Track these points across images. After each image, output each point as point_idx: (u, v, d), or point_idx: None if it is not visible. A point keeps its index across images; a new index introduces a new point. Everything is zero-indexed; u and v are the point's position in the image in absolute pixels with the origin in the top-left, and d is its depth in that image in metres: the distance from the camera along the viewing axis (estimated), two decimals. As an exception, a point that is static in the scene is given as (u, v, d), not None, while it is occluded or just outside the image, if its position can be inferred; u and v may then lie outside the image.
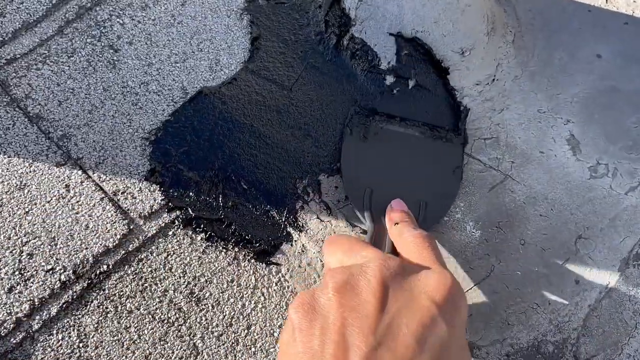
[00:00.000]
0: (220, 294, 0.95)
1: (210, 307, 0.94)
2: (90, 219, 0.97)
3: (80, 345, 0.89)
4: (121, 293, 0.93)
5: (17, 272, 0.92)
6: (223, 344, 0.92)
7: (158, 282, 0.95)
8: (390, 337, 0.44)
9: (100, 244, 0.95)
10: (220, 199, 1.01)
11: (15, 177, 0.98)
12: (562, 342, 0.95)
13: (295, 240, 1.00)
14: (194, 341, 0.92)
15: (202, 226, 0.99)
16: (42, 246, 0.94)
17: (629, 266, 1.01)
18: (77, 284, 0.92)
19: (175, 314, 0.93)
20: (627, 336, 0.97)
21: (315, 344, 0.46)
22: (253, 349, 0.92)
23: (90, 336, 0.90)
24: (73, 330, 0.90)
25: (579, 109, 1.13)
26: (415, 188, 0.96)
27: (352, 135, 1.04)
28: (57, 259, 0.93)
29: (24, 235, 0.94)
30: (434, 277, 0.51)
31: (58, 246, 0.94)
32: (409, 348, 0.43)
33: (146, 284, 0.94)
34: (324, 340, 0.45)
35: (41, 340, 0.89)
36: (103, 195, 0.99)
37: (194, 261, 0.97)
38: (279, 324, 0.94)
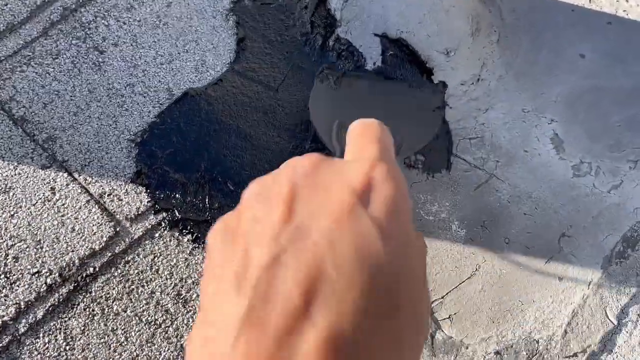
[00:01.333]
0: (207, 295, 0.95)
1: (197, 309, 0.94)
2: (76, 221, 0.97)
3: (67, 348, 0.89)
4: (108, 295, 0.93)
5: (2, 276, 0.91)
6: (210, 345, 0.92)
7: (145, 284, 0.95)
8: (298, 242, 0.37)
9: (87, 247, 0.95)
10: (206, 201, 1.01)
11: (0, 181, 0.98)
12: (547, 338, 0.96)
13: (282, 241, 1.00)
14: (182, 343, 0.92)
15: (188, 228, 0.99)
16: (27, 249, 0.94)
17: (611, 263, 1.02)
18: (63, 286, 0.92)
19: (163, 315, 0.93)
20: (611, 332, 0.98)
21: (218, 263, 0.39)
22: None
23: (77, 339, 0.90)
24: (60, 333, 0.90)
25: (563, 109, 1.14)
26: (393, 125, 0.95)
27: (322, 84, 1.06)
28: (43, 262, 0.93)
29: (9, 239, 0.94)
30: (356, 164, 0.42)
31: (44, 249, 0.94)
32: (319, 248, 0.36)
33: (133, 286, 0.94)
34: (227, 258, 0.38)
35: (27, 343, 0.89)
36: (89, 198, 0.99)
37: (180, 263, 0.97)
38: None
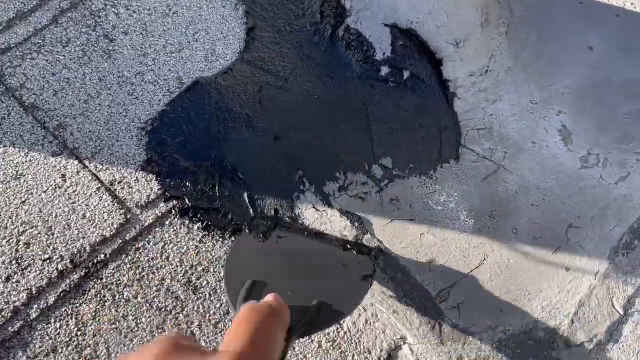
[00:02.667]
0: (217, 283, 0.96)
1: (207, 296, 0.95)
2: (87, 208, 0.97)
3: (78, 333, 0.90)
4: (118, 282, 0.94)
5: (14, 262, 0.92)
6: (220, 332, 0.93)
7: (155, 270, 0.95)
8: None
9: (97, 233, 0.95)
10: (216, 189, 1.01)
11: (11, 167, 0.98)
12: (554, 328, 0.97)
13: (291, 230, 1.01)
14: (192, 329, 0.93)
15: (198, 215, 1.00)
16: (39, 235, 0.94)
17: (618, 254, 1.03)
18: (74, 272, 0.93)
19: (173, 302, 0.94)
20: (617, 322, 0.99)
21: None
22: (250, 337, 0.93)
23: (88, 324, 0.91)
24: (71, 318, 0.91)
25: (570, 100, 1.14)
26: (311, 290, 0.90)
27: (249, 233, 1.00)
28: (54, 248, 0.94)
29: (21, 225, 0.94)
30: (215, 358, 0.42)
31: (55, 235, 0.94)
32: None
33: (143, 273, 0.95)
34: None
35: (39, 328, 0.89)
36: (99, 185, 0.99)
37: (190, 250, 0.97)
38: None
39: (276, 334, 0.54)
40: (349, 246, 0.98)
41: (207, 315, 0.94)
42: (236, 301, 0.81)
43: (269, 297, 0.65)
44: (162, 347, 0.44)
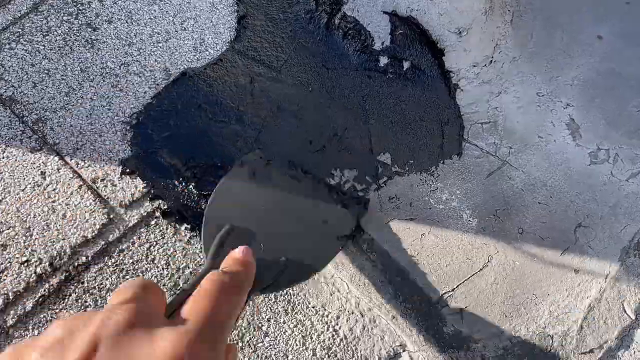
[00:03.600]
0: (206, 287, 0.91)
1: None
2: (67, 207, 0.92)
3: (58, 341, 0.85)
4: (101, 286, 0.89)
5: (-11, 265, 0.87)
6: (209, 339, 0.88)
7: (140, 274, 0.90)
8: None
9: (79, 235, 0.90)
10: (205, 187, 0.96)
11: (-13, 164, 0.93)
12: (562, 334, 0.92)
13: (284, 230, 0.95)
14: (179, 336, 0.88)
15: (186, 215, 0.94)
16: (16, 237, 0.89)
17: (629, 255, 0.97)
18: (54, 276, 0.88)
19: (159, 307, 0.89)
20: (629, 327, 0.94)
21: None
22: (240, 344, 0.88)
23: (69, 332, 0.86)
24: (50, 325, 0.85)
25: (579, 92, 1.09)
26: (282, 245, 0.82)
27: (241, 168, 0.91)
28: (32, 250, 0.88)
29: (-3, 226, 0.89)
30: (169, 339, 0.38)
31: (33, 237, 0.89)
32: None
33: (127, 277, 0.90)
34: None
35: (16, 336, 0.84)
36: (81, 183, 0.93)
37: (178, 252, 0.92)
38: (267, 317, 0.90)
39: (237, 306, 0.49)
40: (338, 197, 0.92)
41: (195, 321, 0.89)
42: (210, 247, 0.71)
43: (239, 253, 0.59)
44: (123, 318, 0.38)
